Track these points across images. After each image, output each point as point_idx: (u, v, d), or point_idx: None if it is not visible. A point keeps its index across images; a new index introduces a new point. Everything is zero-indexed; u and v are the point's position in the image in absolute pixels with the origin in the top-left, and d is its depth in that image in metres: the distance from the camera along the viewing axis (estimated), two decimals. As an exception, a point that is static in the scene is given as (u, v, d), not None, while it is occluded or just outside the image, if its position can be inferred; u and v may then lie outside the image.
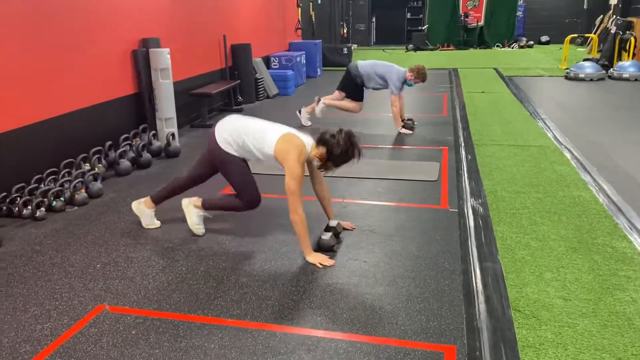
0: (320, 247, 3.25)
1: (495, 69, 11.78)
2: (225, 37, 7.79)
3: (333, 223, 3.42)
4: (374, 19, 20.68)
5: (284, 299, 2.73)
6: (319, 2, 14.19)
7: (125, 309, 2.66)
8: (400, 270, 3.00)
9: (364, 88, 6.35)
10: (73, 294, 2.80)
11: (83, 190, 4.18)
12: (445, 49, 17.15)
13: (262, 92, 8.68)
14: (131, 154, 5.05)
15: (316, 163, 3.13)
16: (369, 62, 6.30)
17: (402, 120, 6.33)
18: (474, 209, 3.85)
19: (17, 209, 3.79)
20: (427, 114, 7.28)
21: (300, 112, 6.69)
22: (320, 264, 3.05)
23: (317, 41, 11.53)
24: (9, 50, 3.99)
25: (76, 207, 4.06)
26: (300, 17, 10.80)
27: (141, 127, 5.54)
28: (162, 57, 5.59)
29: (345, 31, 17.85)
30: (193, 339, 2.41)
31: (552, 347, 2.29)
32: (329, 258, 3.10)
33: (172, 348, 2.35)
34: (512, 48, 16.95)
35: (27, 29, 4.15)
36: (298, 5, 10.65)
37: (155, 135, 5.47)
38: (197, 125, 6.79)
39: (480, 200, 4.00)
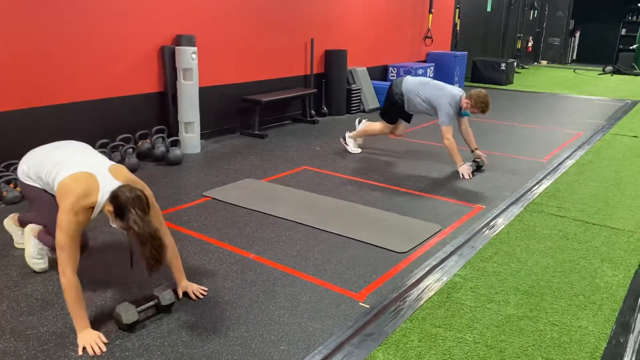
0: (115, 322, 2.43)
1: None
2: (312, 41, 7.09)
3: (159, 291, 2.55)
4: (577, 34, 17.77)
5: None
6: (489, 9, 12.50)
7: None
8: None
9: (405, 111, 5.08)
10: None
11: (19, 188, 3.95)
12: (655, 75, 13.81)
13: (356, 104, 7.78)
14: (120, 156, 4.74)
15: (112, 222, 2.29)
16: (419, 79, 5.00)
17: (475, 150, 4.98)
18: (392, 314, 2.58)
19: None
20: (519, 155, 5.61)
21: (344, 139, 5.58)
22: (85, 347, 2.25)
23: (460, 53, 10.07)
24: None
25: (4, 205, 3.86)
26: (430, 25, 9.49)
27: (154, 129, 5.22)
28: (185, 57, 5.16)
29: (529, 45, 15.62)
30: None
31: None
32: (104, 343, 2.27)
33: None
34: None
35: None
36: (430, 12, 9.35)
37: (176, 142, 5.17)
38: (246, 134, 6.26)
39: (412, 303, 2.68)
